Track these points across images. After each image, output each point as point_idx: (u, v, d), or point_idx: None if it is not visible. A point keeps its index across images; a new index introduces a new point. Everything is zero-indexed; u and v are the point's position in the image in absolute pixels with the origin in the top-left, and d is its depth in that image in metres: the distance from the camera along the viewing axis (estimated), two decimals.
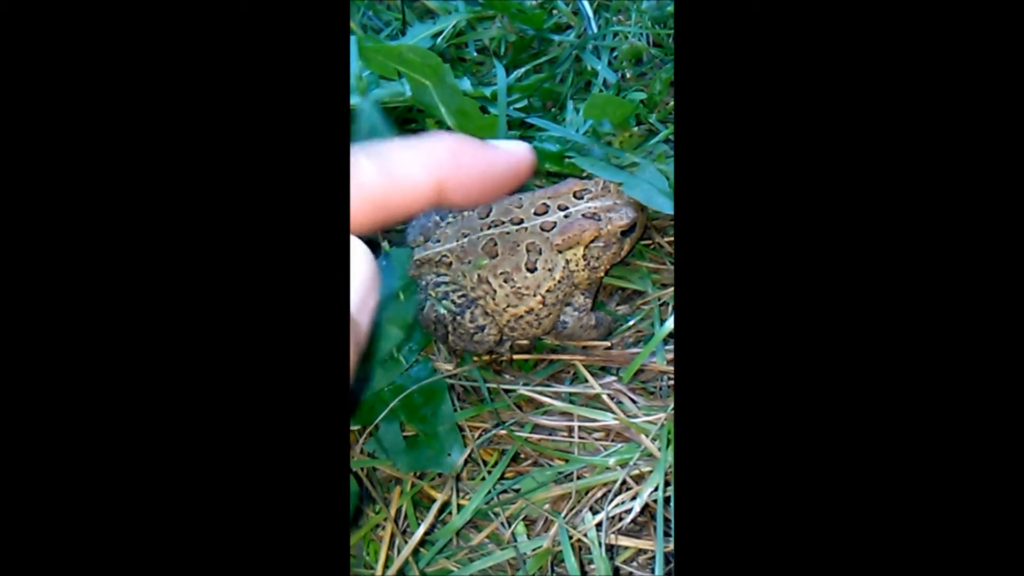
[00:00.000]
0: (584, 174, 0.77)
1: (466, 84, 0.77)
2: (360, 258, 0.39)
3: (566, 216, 0.66)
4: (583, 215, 0.65)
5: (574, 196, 0.67)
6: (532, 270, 0.65)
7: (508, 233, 0.66)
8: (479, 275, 0.65)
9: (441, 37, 0.91)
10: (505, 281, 0.65)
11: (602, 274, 0.68)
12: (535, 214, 0.66)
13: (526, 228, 0.65)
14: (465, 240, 0.67)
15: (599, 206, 0.66)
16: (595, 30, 0.95)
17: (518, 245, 0.65)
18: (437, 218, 0.72)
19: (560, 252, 0.65)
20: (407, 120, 0.86)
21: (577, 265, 0.65)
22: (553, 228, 0.65)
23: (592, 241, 0.65)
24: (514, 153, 0.56)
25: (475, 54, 0.97)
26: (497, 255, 0.65)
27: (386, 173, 0.43)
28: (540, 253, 0.65)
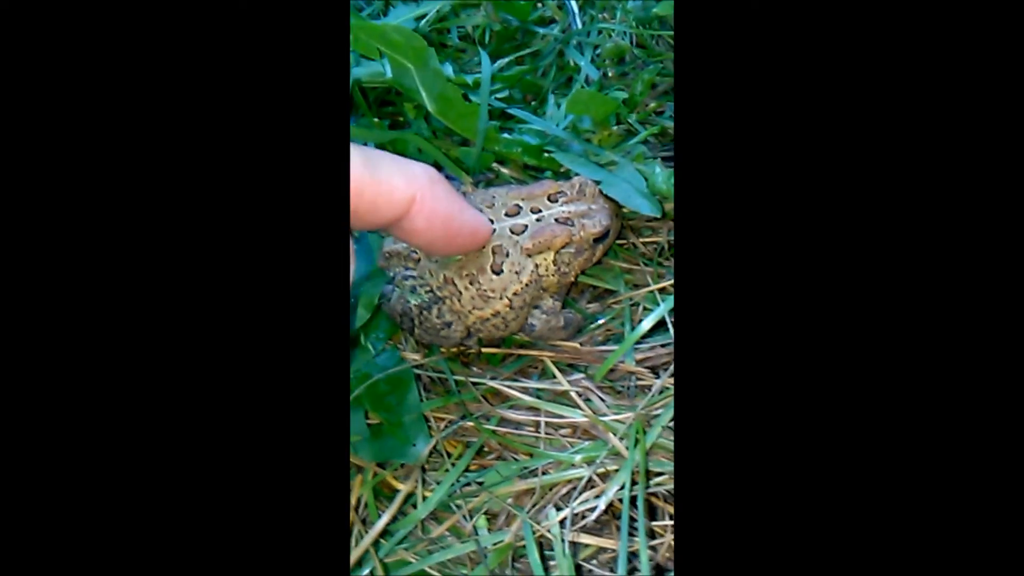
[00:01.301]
0: (561, 169, 0.76)
1: (449, 70, 0.76)
2: None
3: (538, 220, 0.64)
4: (556, 219, 0.64)
5: (548, 199, 0.66)
6: (498, 272, 0.63)
7: None
8: (444, 275, 0.64)
9: (424, 21, 0.90)
10: (471, 283, 0.63)
11: (572, 279, 0.67)
12: (506, 215, 0.65)
13: (494, 230, 0.64)
14: None
15: (573, 211, 0.65)
16: (580, 26, 0.95)
17: (484, 247, 0.63)
18: None
19: (530, 256, 0.64)
20: (385, 103, 0.85)
21: (547, 270, 0.65)
22: (524, 232, 0.64)
23: (564, 247, 0.64)
24: (479, 218, 0.57)
25: (457, 41, 0.96)
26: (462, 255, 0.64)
27: (371, 170, 0.43)
28: (507, 256, 0.63)
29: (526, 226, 0.64)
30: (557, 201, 0.66)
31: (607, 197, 0.67)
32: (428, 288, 0.65)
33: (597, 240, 0.66)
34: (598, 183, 0.67)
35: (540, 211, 0.65)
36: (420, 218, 0.48)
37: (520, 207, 0.65)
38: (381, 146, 0.76)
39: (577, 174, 0.69)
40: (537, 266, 0.64)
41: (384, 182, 0.45)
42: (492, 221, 0.64)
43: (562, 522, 0.56)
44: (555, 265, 0.64)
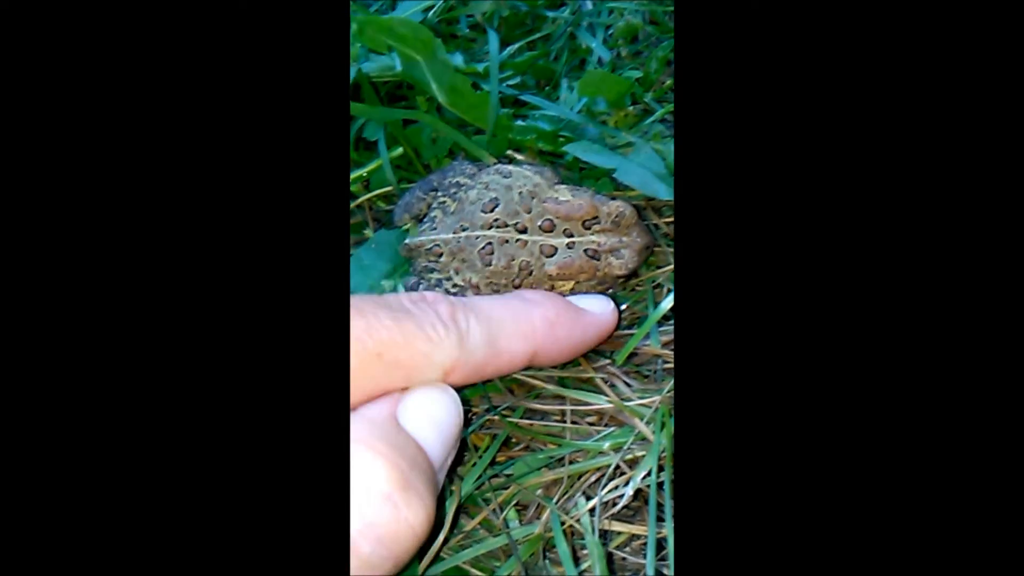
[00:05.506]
0: (598, 181, 0.74)
1: (458, 60, 0.76)
2: (452, 410, 0.41)
3: (569, 247, 0.64)
4: (585, 250, 0.64)
5: (583, 225, 0.65)
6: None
7: (508, 242, 0.64)
8: (471, 278, 0.65)
9: (432, 12, 0.89)
10: (494, 292, 0.64)
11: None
12: (540, 228, 0.65)
13: (526, 242, 0.64)
14: (463, 235, 0.66)
15: (603, 244, 0.64)
16: (590, 7, 0.93)
17: (513, 260, 0.64)
18: (420, 194, 0.71)
19: (551, 279, 0.64)
20: (397, 97, 0.84)
21: (564, 291, 0.65)
22: (553, 255, 0.64)
23: (586, 280, 0.65)
24: (603, 318, 0.60)
25: (467, 31, 0.95)
26: (491, 263, 0.64)
27: (491, 344, 0.48)
28: (531, 274, 0.64)
29: (556, 249, 0.64)
30: (591, 228, 0.65)
31: (641, 228, 0.66)
32: (453, 283, 0.66)
33: (619, 278, 0.66)
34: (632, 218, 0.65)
35: (572, 236, 0.65)
36: (546, 360, 0.55)
37: (554, 224, 0.65)
38: (391, 135, 0.76)
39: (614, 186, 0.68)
40: (553, 287, 0.65)
41: (504, 351, 0.50)
42: (526, 230, 0.65)
43: (592, 511, 0.55)
44: (572, 292, 0.65)
